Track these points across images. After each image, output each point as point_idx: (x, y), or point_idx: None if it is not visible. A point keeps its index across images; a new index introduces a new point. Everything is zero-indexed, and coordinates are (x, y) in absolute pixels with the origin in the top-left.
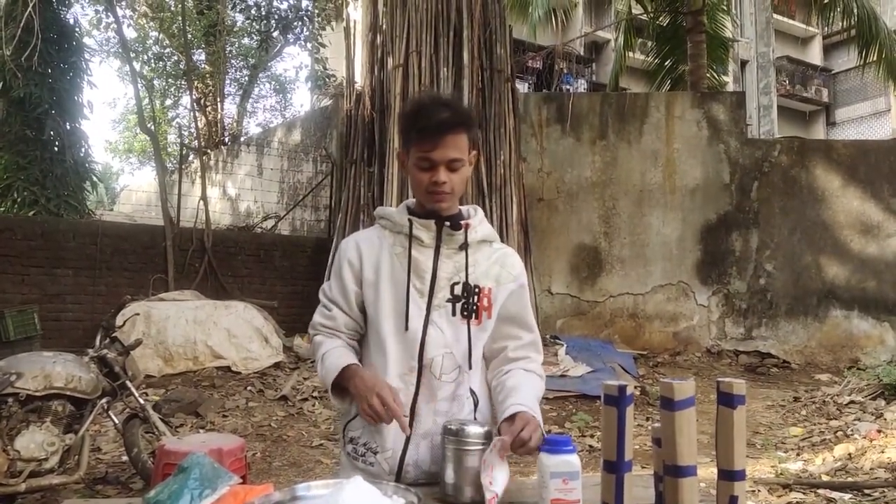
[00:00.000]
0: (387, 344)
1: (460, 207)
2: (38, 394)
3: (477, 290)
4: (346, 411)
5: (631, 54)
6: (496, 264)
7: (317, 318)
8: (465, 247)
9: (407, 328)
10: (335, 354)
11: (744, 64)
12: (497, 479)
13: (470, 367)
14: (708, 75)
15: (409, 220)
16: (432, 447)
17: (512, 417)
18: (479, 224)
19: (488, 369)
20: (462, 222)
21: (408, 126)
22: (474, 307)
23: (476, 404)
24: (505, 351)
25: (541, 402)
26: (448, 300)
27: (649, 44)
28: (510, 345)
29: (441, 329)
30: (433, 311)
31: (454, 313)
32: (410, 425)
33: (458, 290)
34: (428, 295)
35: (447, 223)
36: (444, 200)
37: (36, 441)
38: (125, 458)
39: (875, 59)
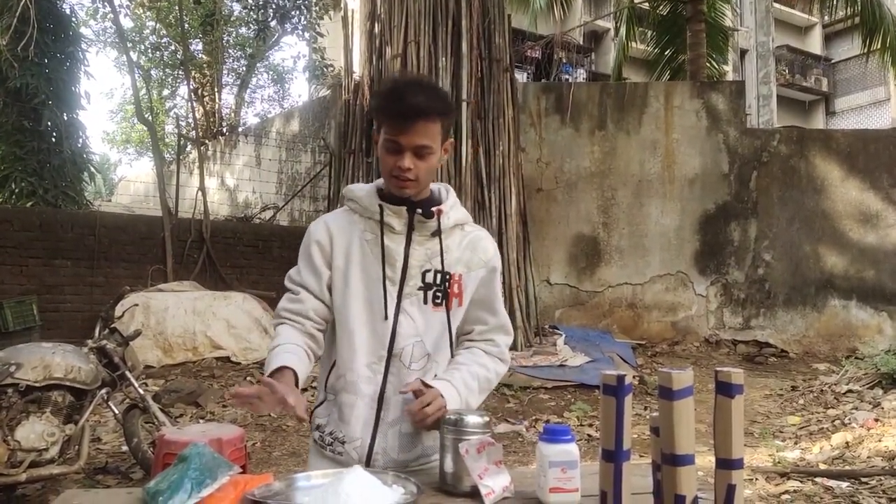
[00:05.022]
0: (356, 333)
1: (431, 187)
2: (37, 384)
3: (448, 276)
4: (317, 395)
5: (632, 44)
6: (467, 249)
7: (283, 303)
8: (437, 233)
9: (386, 317)
10: (280, 350)
11: (743, 53)
12: (495, 479)
13: (440, 355)
14: (707, 65)
15: (381, 206)
16: (401, 435)
17: (428, 386)
18: (450, 209)
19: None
20: (434, 209)
21: (380, 106)
22: (445, 294)
23: None
24: (471, 333)
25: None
26: (419, 288)
27: (649, 33)
28: (476, 328)
29: (412, 317)
30: (404, 300)
31: (425, 301)
32: (378, 414)
33: (429, 277)
34: (399, 283)
35: (419, 210)
36: (408, 187)
37: (36, 431)
38: (125, 448)
39: (879, 46)
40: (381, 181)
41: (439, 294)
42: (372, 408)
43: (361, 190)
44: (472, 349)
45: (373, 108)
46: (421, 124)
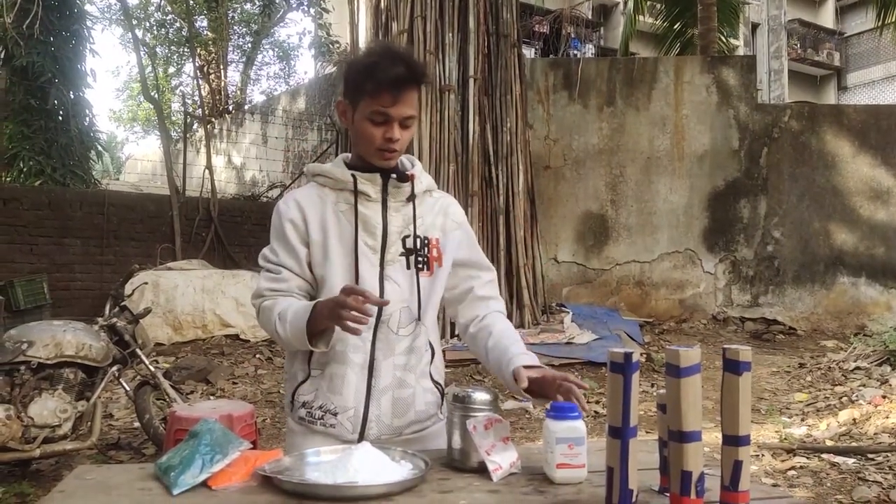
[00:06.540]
0: None
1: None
2: (49, 362)
3: (426, 241)
4: (293, 376)
5: (641, 18)
6: (440, 214)
7: (263, 283)
8: (412, 198)
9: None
10: (295, 306)
11: (755, 27)
12: (502, 455)
13: (427, 319)
14: (718, 39)
15: (353, 176)
16: (394, 401)
17: (534, 368)
18: (421, 174)
19: (458, 315)
20: (408, 173)
21: (362, 77)
22: (426, 259)
23: (433, 356)
24: (472, 291)
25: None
26: (401, 254)
27: (658, 6)
28: (475, 284)
29: (397, 283)
30: (387, 266)
31: (408, 266)
32: (370, 382)
33: (409, 243)
34: (381, 250)
35: (393, 175)
36: (394, 158)
37: (49, 408)
38: (137, 424)
39: (894, 20)
40: (345, 155)
41: (421, 259)
42: (363, 376)
43: (327, 165)
44: (491, 316)
45: (353, 79)
46: (408, 95)
